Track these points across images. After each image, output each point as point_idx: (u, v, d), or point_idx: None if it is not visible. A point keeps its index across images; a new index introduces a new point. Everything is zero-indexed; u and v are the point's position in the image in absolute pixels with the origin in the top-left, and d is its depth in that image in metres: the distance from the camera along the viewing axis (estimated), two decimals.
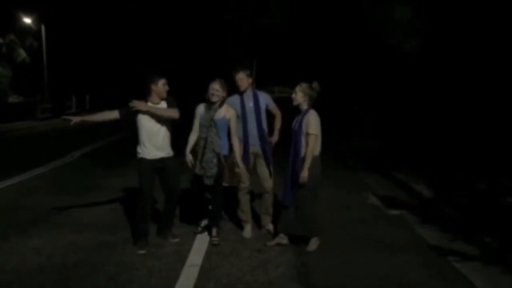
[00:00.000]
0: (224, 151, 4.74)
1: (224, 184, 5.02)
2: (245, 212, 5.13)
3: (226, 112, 4.71)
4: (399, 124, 11.74)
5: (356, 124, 13.93)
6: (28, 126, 20.41)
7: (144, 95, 4.72)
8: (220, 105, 4.67)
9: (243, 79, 4.96)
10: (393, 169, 8.30)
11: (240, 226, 5.24)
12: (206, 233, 5.07)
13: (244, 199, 5.11)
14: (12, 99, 24.82)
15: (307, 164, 4.49)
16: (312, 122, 4.52)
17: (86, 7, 29.37)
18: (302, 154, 4.54)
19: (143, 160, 4.66)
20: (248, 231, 5.10)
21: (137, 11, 33.11)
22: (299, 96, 4.61)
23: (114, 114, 4.68)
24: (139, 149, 4.70)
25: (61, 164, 9.85)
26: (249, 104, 4.99)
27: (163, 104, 4.71)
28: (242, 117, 4.97)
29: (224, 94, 4.66)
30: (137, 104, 4.53)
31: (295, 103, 4.65)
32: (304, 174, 4.47)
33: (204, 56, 36.23)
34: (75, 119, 4.76)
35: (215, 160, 4.64)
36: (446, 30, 10.21)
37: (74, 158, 10.65)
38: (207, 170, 4.66)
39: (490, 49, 9.11)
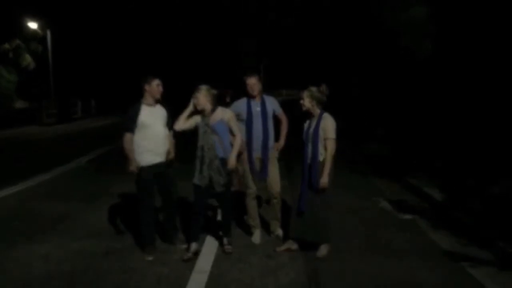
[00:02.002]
0: (228, 152, 4.57)
1: (232, 188, 4.91)
2: (253, 217, 5.08)
3: (223, 115, 4.54)
4: (410, 128, 11.63)
5: (366, 128, 13.84)
6: (34, 131, 20.47)
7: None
8: (213, 111, 4.52)
9: (256, 84, 4.91)
10: (404, 173, 8.21)
11: (248, 231, 5.18)
12: (214, 238, 5.03)
13: (251, 204, 5.05)
14: (18, 104, 24.91)
15: (327, 169, 4.43)
16: (330, 126, 4.47)
17: (91, 13, 29.50)
18: (321, 159, 4.48)
19: (140, 167, 4.58)
20: (257, 236, 5.05)
21: (143, 15, 33.27)
22: (307, 101, 4.55)
23: (131, 138, 4.58)
24: (136, 156, 4.58)
25: (68, 170, 9.84)
26: (256, 108, 4.94)
27: (159, 108, 4.67)
28: (247, 121, 4.91)
29: (209, 100, 4.47)
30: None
31: (304, 108, 4.59)
32: (325, 179, 4.41)
33: (212, 59, 36.35)
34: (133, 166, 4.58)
35: (222, 168, 4.51)
36: (459, 33, 10.10)
37: (81, 164, 10.63)
38: (218, 178, 4.49)
39: (504, 53, 9.01)
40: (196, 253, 4.58)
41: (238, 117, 4.98)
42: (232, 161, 4.53)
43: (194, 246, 4.59)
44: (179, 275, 4.14)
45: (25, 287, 3.94)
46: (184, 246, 4.77)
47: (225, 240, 4.77)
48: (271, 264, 4.38)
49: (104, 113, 28.13)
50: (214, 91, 4.54)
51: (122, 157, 4.76)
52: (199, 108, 4.48)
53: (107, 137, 14.49)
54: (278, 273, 4.17)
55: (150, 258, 4.54)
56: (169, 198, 4.83)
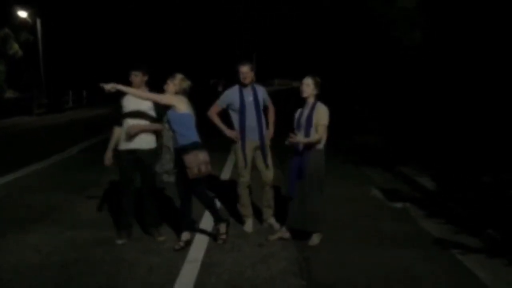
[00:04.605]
0: (186, 140, 4.40)
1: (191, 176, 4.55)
2: (245, 206, 5.07)
3: (174, 103, 4.43)
4: (401, 118, 11.67)
5: (358, 119, 13.87)
6: (25, 121, 20.30)
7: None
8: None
9: (248, 73, 4.88)
10: (396, 163, 8.25)
11: (240, 220, 5.19)
12: (206, 228, 5.02)
13: (244, 193, 5.04)
14: (8, 94, 24.62)
15: (310, 140, 4.42)
16: (323, 114, 4.47)
17: (82, 2, 29.11)
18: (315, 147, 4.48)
19: (118, 152, 4.65)
20: (249, 225, 5.05)
21: (134, 5, 32.93)
22: (311, 88, 4.52)
23: (118, 132, 4.69)
24: (121, 139, 4.67)
25: (59, 160, 9.78)
26: (249, 98, 4.91)
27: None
28: (240, 111, 4.88)
29: (176, 89, 4.46)
30: (110, 85, 4.36)
31: (305, 94, 4.54)
32: (303, 140, 4.40)
33: (204, 49, 36.08)
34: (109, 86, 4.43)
35: (168, 156, 4.49)
36: (448, 22, 10.10)
37: (72, 154, 10.57)
38: (162, 164, 4.53)
39: (493, 43, 9.02)
40: (188, 243, 4.57)
41: (230, 106, 4.96)
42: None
43: (185, 235, 4.59)
44: (171, 264, 4.13)
45: (16, 277, 3.91)
46: (162, 238, 4.74)
47: (219, 228, 4.66)
48: (264, 253, 4.39)
49: (95, 104, 27.92)
50: (188, 83, 4.52)
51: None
52: (166, 94, 4.51)
53: (99, 127, 14.38)
54: (270, 262, 4.17)
55: (121, 242, 4.61)
56: (147, 188, 4.77)
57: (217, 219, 4.70)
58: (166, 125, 4.48)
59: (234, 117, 4.96)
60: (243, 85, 4.92)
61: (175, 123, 4.41)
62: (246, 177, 5.00)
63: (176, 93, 4.46)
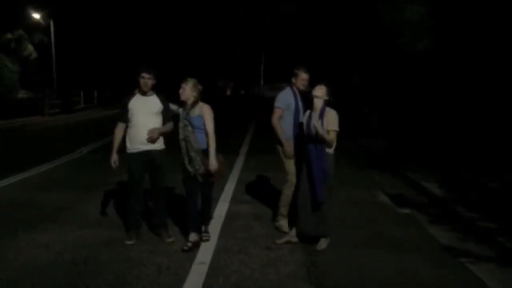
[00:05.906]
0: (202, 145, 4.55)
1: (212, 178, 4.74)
2: (286, 206, 5.10)
3: (201, 111, 4.55)
4: (408, 123, 11.65)
5: (364, 122, 13.85)
6: (37, 121, 20.51)
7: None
8: (194, 104, 4.53)
9: (306, 79, 5.02)
10: (403, 167, 8.22)
11: (246, 223, 5.24)
12: (214, 229, 5.04)
13: (289, 193, 5.06)
14: (21, 94, 24.89)
15: (326, 136, 4.41)
16: (334, 119, 4.50)
17: (95, 3, 29.38)
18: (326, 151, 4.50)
19: (128, 154, 4.71)
20: (285, 224, 5.08)
21: (144, 6, 33.16)
22: (323, 91, 4.56)
23: (121, 128, 4.78)
24: (126, 143, 4.72)
25: (70, 160, 9.87)
26: (299, 102, 5.06)
27: (151, 98, 4.71)
28: (295, 114, 4.99)
29: (194, 94, 4.51)
30: (152, 134, 4.60)
31: (317, 93, 4.56)
32: (320, 130, 4.38)
33: (209, 52, 36.16)
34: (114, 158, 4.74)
35: (198, 158, 4.52)
36: (458, 29, 10.07)
37: (83, 154, 10.66)
38: (197, 169, 4.53)
39: (502, 49, 8.97)
40: (196, 244, 4.60)
41: (287, 107, 5.03)
42: (212, 162, 4.51)
43: (193, 236, 4.62)
44: (179, 266, 4.15)
45: (26, 276, 3.96)
46: (171, 239, 4.78)
47: (203, 228, 4.79)
48: (271, 256, 4.40)
49: (106, 104, 28.13)
50: (200, 87, 4.60)
51: (123, 147, 4.81)
52: (182, 98, 4.56)
53: (109, 127, 14.51)
54: (277, 265, 4.18)
55: (130, 242, 4.66)
56: (158, 189, 4.84)
57: (206, 219, 4.82)
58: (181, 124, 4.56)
59: (288, 119, 5.00)
60: (298, 90, 5.05)
61: (199, 130, 4.52)
62: (295, 178, 5.02)
63: (196, 97, 4.53)
